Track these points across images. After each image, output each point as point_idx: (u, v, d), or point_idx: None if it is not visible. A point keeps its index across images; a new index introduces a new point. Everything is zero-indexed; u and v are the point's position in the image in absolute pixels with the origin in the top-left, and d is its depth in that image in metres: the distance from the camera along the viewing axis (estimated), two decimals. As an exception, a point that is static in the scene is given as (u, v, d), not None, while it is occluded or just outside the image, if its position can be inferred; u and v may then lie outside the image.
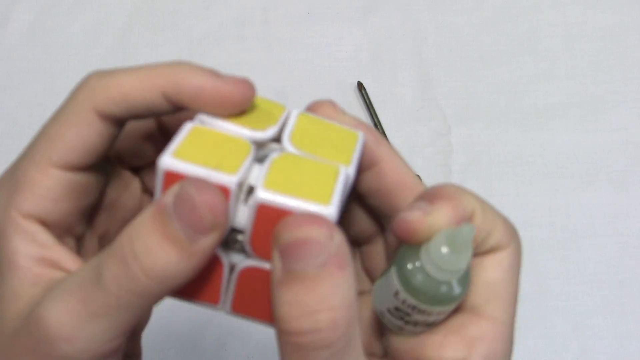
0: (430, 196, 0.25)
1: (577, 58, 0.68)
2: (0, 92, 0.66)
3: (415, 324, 0.26)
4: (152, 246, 0.21)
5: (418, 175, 0.58)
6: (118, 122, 0.26)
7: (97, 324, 0.22)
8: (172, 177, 0.22)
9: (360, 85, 0.65)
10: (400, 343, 0.27)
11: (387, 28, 0.70)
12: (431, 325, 0.26)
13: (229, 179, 0.22)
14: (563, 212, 0.60)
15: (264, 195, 0.22)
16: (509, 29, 0.69)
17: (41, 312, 0.23)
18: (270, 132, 0.25)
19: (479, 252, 0.26)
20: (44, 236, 0.25)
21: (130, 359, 0.31)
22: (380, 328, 0.29)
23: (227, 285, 0.25)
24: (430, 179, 0.62)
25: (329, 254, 0.21)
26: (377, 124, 0.63)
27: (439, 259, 0.24)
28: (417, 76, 0.67)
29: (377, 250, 0.31)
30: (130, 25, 0.70)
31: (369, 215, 0.31)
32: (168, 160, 0.23)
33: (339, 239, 0.22)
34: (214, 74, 0.25)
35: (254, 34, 0.68)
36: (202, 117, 0.25)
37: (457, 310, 0.26)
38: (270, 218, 0.22)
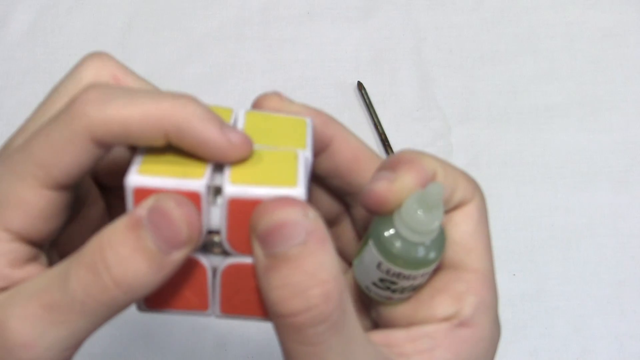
0: (392, 164, 0.26)
1: (577, 58, 0.68)
2: (0, 92, 0.66)
3: (402, 290, 0.26)
4: (124, 256, 0.22)
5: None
6: (111, 147, 0.25)
7: (57, 332, 0.22)
8: (142, 193, 0.23)
9: (360, 85, 0.65)
10: (391, 312, 0.27)
11: (387, 28, 0.70)
12: (417, 289, 0.27)
13: (199, 183, 0.23)
14: (563, 212, 0.59)
15: (232, 189, 0.23)
16: (509, 29, 0.69)
17: (3, 318, 0.22)
18: None
19: (447, 209, 0.27)
20: (20, 254, 0.25)
21: None
22: (365, 303, 0.29)
23: (212, 289, 0.25)
24: (430, 179, 0.62)
25: (306, 231, 0.22)
26: (377, 124, 0.63)
27: (413, 222, 0.24)
28: (417, 76, 0.67)
29: (345, 230, 0.32)
30: (130, 25, 0.70)
31: (332, 196, 0.31)
32: (135, 178, 0.23)
33: (313, 215, 0.22)
34: (220, 126, 0.24)
35: (254, 34, 0.68)
36: None
37: (438, 268, 0.27)
38: (242, 211, 0.23)
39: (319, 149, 0.29)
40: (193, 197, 0.23)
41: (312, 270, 0.22)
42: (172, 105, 0.24)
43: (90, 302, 0.22)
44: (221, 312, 0.25)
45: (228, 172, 0.24)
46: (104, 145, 0.24)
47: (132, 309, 0.54)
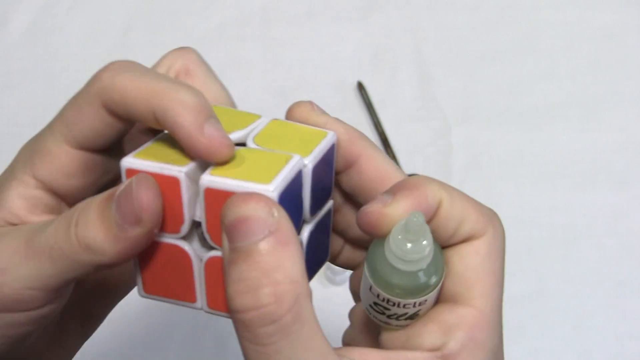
0: (395, 188, 0.26)
1: (577, 58, 0.68)
2: (0, 92, 0.66)
3: (397, 317, 0.26)
4: (89, 219, 0.24)
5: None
6: (124, 119, 0.27)
7: (26, 268, 0.25)
8: (132, 173, 0.24)
9: (360, 85, 0.65)
10: (388, 337, 0.27)
11: (387, 28, 0.70)
12: (413, 317, 0.26)
13: (178, 169, 0.24)
14: (563, 212, 0.60)
15: (208, 179, 0.24)
16: (509, 29, 0.69)
17: None
18: (236, 134, 0.26)
19: (454, 241, 0.26)
20: (40, 199, 0.27)
21: (90, 321, 0.33)
22: (375, 328, 0.29)
23: (199, 282, 0.26)
24: (430, 179, 0.62)
25: (269, 229, 0.22)
26: (377, 124, 0.63)
27: (397, 249, 0.24)
28: (417, 76, 0.67)
29: None
30: (130, 25, 0.70)
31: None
32: (129, 160, 0.25)
33: (279, 215, 0.22)
34: (204, 120, 0.24)
35: (254, 34, 0.68)
36: None
37: (439, 299, 0.26)
38: (218, 202, 0.23)
39: (345, 165, 0.28)
40: (173, 182, 0.24)
41: (267, 269, 0.22)
42: (165, 88, 0.25)
43: (57, 249, 0.24)
44: (208, 307, 0.26)
45: (213, 165, 0.24)
46: (114, 114, 0.26)
47: (132, 310, 0.54)
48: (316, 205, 0.27)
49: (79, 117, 0.26)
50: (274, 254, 0.22)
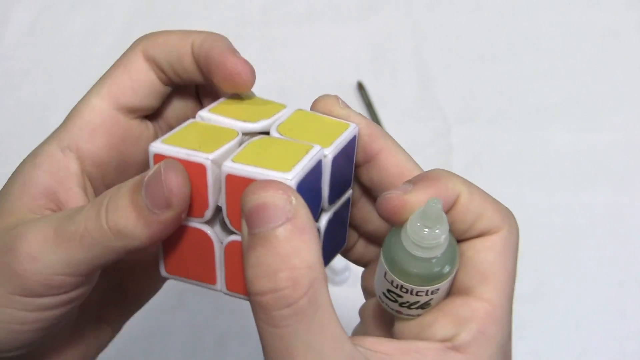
0: (416, 179, 0.27)
1: (577, 58, 0.68)
2: (0, 92, 0.66)
3: (409, 306, 0.26)
4: (121, 206, 0.25)
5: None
6: (160, 72, 0.30)
7: (57, 255, 0.25)
8: (159, 159, 0.25)
9: (360, 86, 0.65)
10: (401, 328, 0.27)
11: (387, 28, 0.70)
12: (425, 307, 0.26)
13: (205, 156, 0.25)
14: (563, 212, 0.60)
15: (230, 165, 0.24)
16: (509, 29, 0.69)
17: (21, 229, 0.26)
18: (261, 123, 0.27)
19: (470, 235, 0.27)
20: (69, 172, 0.28)
21: (107, 330, 0.34)
22: (387, 323, 0.29)
23: (220, 264, 0.27)
24: (430, 179, 0.62)
25: (287, 216, 0.23)
26: (377, 124, 0.64)
27: (413, 235, 0.25)
28: (417, 76, 0.67)
29: None
30: (130, 25, 0.70)
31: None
32: (157, 145, 0.25)
33: (297, 202, 0.23)
34: (233, 50, 0.29)
35: (254, 34, 0.68)
36: (202, 114, 0.27)
37: (451, 292, 0.27)
38: (238, 189, 0.24)
39: (365, 159, 0.29)
40: (199, 169, 0.25)
41: (284, 254, 0.22)
42: (200, 32, 0.29)
43: (87, 236, 0.25)
44: (227, 289, 0.27)
45: (236, 153, 0.25)
46: (154, 62, 0.29)
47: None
48: (335, 194, 0.28)
49: (116, 69, 0.29)
50: (291, 240, 0.23)
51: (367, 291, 0.32)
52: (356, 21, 0.70)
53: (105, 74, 0.30)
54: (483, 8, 0.70)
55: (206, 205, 0.25)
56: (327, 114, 0.29)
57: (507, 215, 0.27)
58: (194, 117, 0.28)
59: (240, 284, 0.26)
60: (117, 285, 0.33)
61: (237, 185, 0.24)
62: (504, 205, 0.27)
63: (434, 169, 0.27)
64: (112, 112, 0.29)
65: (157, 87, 0.30)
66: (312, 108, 0.29)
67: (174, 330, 0.54)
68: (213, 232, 0.26)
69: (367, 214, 0.31)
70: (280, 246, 0.22)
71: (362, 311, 0.31)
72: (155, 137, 0.31)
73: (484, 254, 0.26)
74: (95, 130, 0.29)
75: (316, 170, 0.26)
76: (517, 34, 0.69)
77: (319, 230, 0.27)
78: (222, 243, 0.26)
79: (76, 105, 0.29)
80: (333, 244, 0.29)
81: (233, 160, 0.24)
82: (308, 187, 0.25)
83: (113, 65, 0.30)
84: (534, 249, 0.58)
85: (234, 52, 0.29)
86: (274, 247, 0.22)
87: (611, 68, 0.67)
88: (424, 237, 0.24)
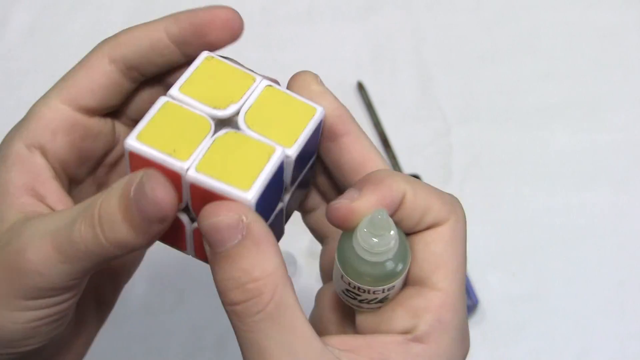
0: (361, 183, 0.28)
1: (577, 58, 0.68)
2: (0, 92, 0.66)
3: (368, 301, 0.28)
4: (116, 222, 0.26)
5: (417, 175, 0.58)
6: (129, 70, 0.30)
7: (63, 267, 0.26)
8: (135, 157, 0.27)
9: (360, 85, 0.65)
10: (362, 321, 0.28)
11: (387, 28, 0.70)
12: (383, 301, 0.28)
13: (180, 165, 0.26)
14: (563, 212, 0.60)
15: (192, 175, 0.26)
16: (509, 29, 0.69)
17: (21, 248, 0.27)
18: (230, 109, 0.28)
19: (419, 229, 0.28)
20: (40, 167, 0.30)
21: (104, 306, 0.35)
22: (344, 308, 0.30)
23: (190, 239, 0.29)
24: (431, 179, 0.61)
25: (241, 233, 0.25)
26: (377, 124, 0.63)
27: (364, 242, 0.26)
28: (417, 76, 0.67)
29: None
30: (130, 25, 0.70)
31: (337, 191, 0.32)
32: (131, 143, 0.27)
33: (249, 218, 0.25)
34: (213, 6, 0.30)
35: (254, 34, 0.68)
36: (173, 93, 0.28)
37: (405, 284, 0.28)
38: (200, 194, 0.26)
39: (329, 137, 0.30)
40: (175, 175, 0.26)
41: (246, 268, 0.25)
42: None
43: (89, 251, 0.26)
44: (196, 255, 0.30)
45: (201, 155, 0.27)
46: (119, 62, 0.30)
47: (133, 310, 0.54)
48: (297, 174, 0.30)
49: (77, 72, 0.31)
50: (249, 254, 0.25)
51: (324, 273, 0.33)
52: (356, 21, 0.70)
53: (66, 74, 0.32)
54: (483, 8, 0.70)
55: (180, 200, 0.27)
56: (300, 92, 0.30)
57: (453, 205, 0.28)
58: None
59: (205, 254, 0.28)
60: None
61: (200, 192, 0.26)
62: (449, 196, 0.28)
63: (377, 170, 0.29)
64: (72, 113, 0.31)
65: (119, 86, 0.31)
66: (289, 83, 0.30)
67: (174, 330, 0.54)
68: (186, 218, 0.29)
69: (328, 190, 0.32)
70: (241, 261, 0.25)
71: (319, 296, 0.32)
72: (113, 131, 0.33)
73: (433, 245, 0.27)
74: (56, 131, 0.30)
75: (278, 172, 0.27)
76: (517, 34, 0.69)
77: (282, 201, 0.30)
78: (192, 224, 0.29)
79: (37, 104, 0.31)
80: (296, 201, 0.32)
81: (197, 170, 0.26)
82: (269, 192, 0.27)
83: (74, 67, 0.32)
84: (534, 249, 0.58)
85: (215, 6, 0.30)
86: (236, 263, 0.25)
87: (611, 68, 0.67)
88: (374, 245, 0.26)
